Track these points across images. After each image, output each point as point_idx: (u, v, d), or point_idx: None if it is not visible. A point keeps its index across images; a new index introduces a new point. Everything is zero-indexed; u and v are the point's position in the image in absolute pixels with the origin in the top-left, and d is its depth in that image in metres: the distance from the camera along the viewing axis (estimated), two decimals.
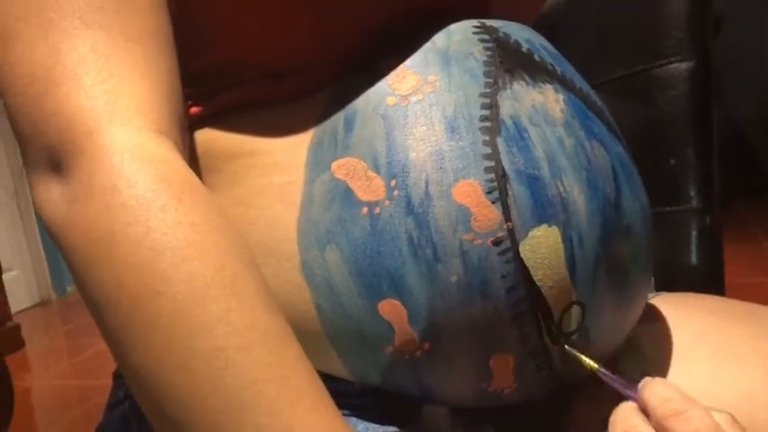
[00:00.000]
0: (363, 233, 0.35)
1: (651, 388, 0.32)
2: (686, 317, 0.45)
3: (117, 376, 0.48)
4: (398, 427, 0.38)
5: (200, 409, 0.30)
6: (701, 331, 0.44)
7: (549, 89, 0.39)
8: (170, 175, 0.32)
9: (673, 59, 0.62)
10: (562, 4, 0.70)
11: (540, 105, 0.37)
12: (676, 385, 0.31)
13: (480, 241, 0.34)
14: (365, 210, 0.36)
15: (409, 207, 0.35)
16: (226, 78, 0.41)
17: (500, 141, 0.36)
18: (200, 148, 0.41)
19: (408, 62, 0.38)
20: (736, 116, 2.38)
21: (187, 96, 0.39)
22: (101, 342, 0.33)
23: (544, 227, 0.35)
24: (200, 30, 0.40)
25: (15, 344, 2.20)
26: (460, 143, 0.35)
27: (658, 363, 0.43)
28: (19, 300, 2.81)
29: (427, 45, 0.39)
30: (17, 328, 2.24)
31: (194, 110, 0.42)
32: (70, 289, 3.08)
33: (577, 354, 0.36)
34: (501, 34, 0.40)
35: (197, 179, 0.34)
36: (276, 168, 0.39)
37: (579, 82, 0.42)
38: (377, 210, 0.35)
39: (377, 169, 0.36)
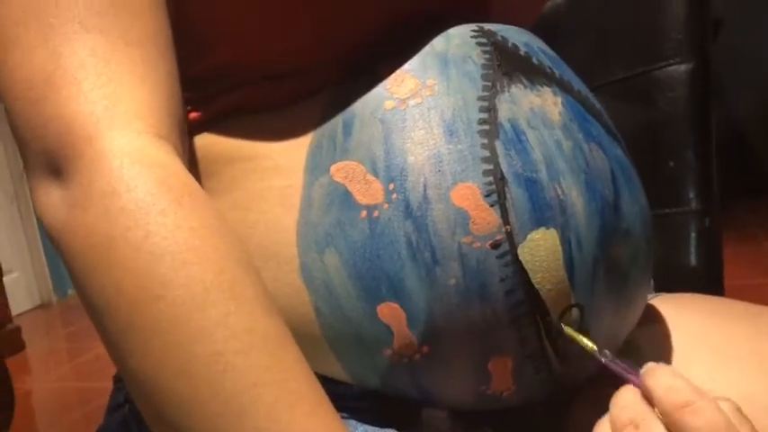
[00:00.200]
0: (362, 236, 0.35)
1: (655, 374, 0.30)
2: (686, 318, 0.45)
3: (117, 380, 0.48)
4: (397, 429, 0.38)
5: (199, 414, 0.30)
6: (700, 333, 0.44)
7: (547, 92, 0.39)
8: (169, 180, 0.32)
9: (672, 62, 0.62)
10: (562, 7, 0.70)
11: (538, 108, 0.38)
12: (680, 372, 0.30)
13: (479, 244, 0.34)
14: (364, 213, 0.36)
15: (408, 210, 0.35)
16: (225, 81, 0.41)
17: (498, 144, 0.36)
18: (199, 153, 0.41)
19: (407, 66, 0.38)
20: (736, 116, 2.38)
21: (186, 101, 0.39)
22: (101, 345, 0.33)
23: (542, 230, 0.35)
24: (198, 33, 0.40)
25: (16, 346, 2.20)
26: (459, 146, 0.35)
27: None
28: (19, 302, 2.80)
29: (426, 49, 0.39)
30: (18, 330, 2.24)
31: (193, 115, 0.42)
32: (71, 291, 3.08)
33: (574, 333, 0.35)
34: (499, 38, 0.40)
35: (196, 183, 0.34)
36: (276, 172, 0.39)
37: (578, 85, 0.42)
38: (375, 213, 0.35)
39: (375, 173, 0.36)
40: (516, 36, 0.41)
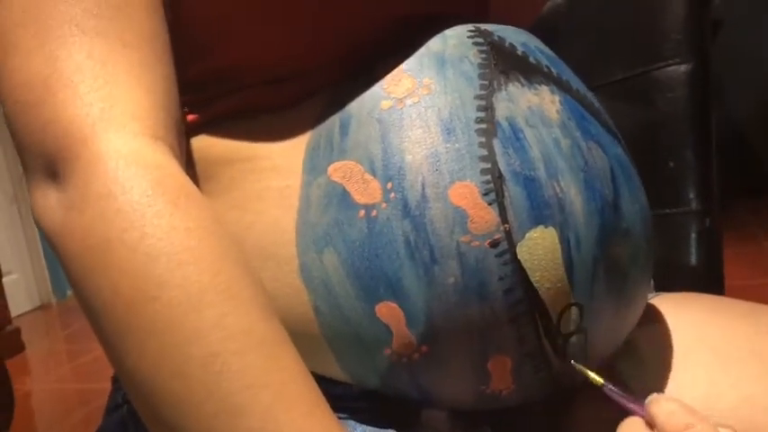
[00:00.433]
0: (360, 236, 0.35)
1: (658, 402, 0.32)
2: (686, 317, 0.45)
3: (115, 380, 0.48)
4: (396, 430, 0.38)
5: (195, 415, 0.30)
6: (700, 332, 0.44)
7: (544, 90, 0.39)
8: (165, 181, 0.32)
9: (672, 62, 0.62)
10: (562, 7, 0.70)
11: (535, 107, 0.37)
12: (683, 401, 0.32)
13: (477, 243, 0.34)
14: (362, 212, 0.36)
15: (406, 209, 0.35)
16: (224, 85, 0.41)
17: (496, 143, 0.36)
18: (197, 155, 0.41)
19: (404, 66, 0.38)
20: (736, 116, 2.38)
21: (183, 104, 0.39)
22: (100, 346, 0.33)
23: (541, 228, 0.35)
24: (194, 37, 0.40)
25: (15, 347, 2.19)
26: (456, 145, 0.35)
27: (656, 365, 0.43)
28: (19, 303, 2.80)
29: (422, 49, 0.39)
30: (17, 331, 2.24)
31: (191, 117, 0.42)
32: (70, 293, 3.08)
33: (584, 369, 0.36)
34: (496, 38, 0.40)
35: (193, 185, 0.34)
36: (274, 172, 0.39)
37: (576, 84, 0.41)
38: (374, 212, 0.35)
39: (373, 172, 0.36)
40: (513, 36, 0.41)
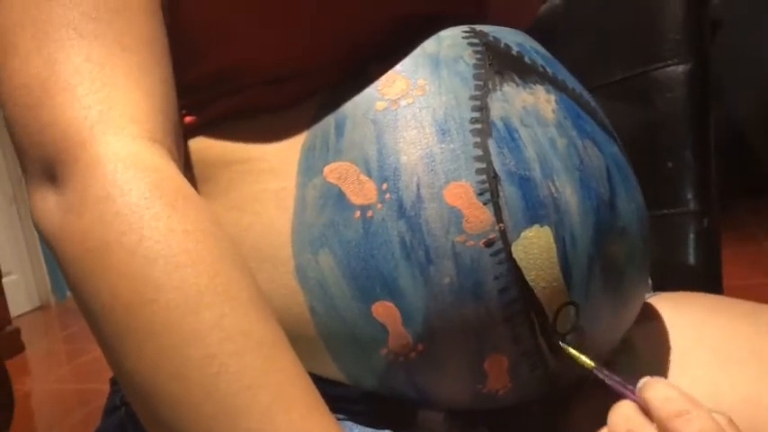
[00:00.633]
0: (356, 236, 0.35)
1: (652, 387, 0.31)
2: (684, 316, 0.45)
3: (113, 382, 0.48)
4: (394, 431, 0.38)
5: (194, 416, 0.30)
6: (699, 331, 0.44)
7: (540, 90, 0.39)
8: (163, 183, 0.32)
9: (671, 62, 0.62)
10: (559, 8, 0.70)
11: (531, 106, 0.37)
12: (677, 385, 0.31)
13: (472, 243, 0.34)
14: (358, 213, 0.36)
15: (401, 210, 0.35)
16: (223, 86, 0.41)
17: (491, 143, 0.36)
18: (194, 157, 0.41)
19: (398, 67, 0.38)
20: (736, 116, 2.38)
21: (181, 106, 0.39)
22: None
23: (536, 227, 0.35)
24: (192, 40, 0.40)
25: (15, 348, 2.19)
26: (451, 145, 0.35)
27: (653, 363, 0.43)
28: (18, 304, 2.80)
29: (417, 50, 0.39)
30: (17, 332, 2.24)
31: (188, 119, 0.42)
32: (69, 294, 3.07)
33: (574, 352, 0.36)
34: (491, 38, 0.40)
35: (190, 187, 0.34)
36: (271, 174, 0.39)
37: (572, 83, 0.41)
38: (369, 213, 0.35)
39: (368, 173, 0.36)
40: (509, 36, 0.41)
